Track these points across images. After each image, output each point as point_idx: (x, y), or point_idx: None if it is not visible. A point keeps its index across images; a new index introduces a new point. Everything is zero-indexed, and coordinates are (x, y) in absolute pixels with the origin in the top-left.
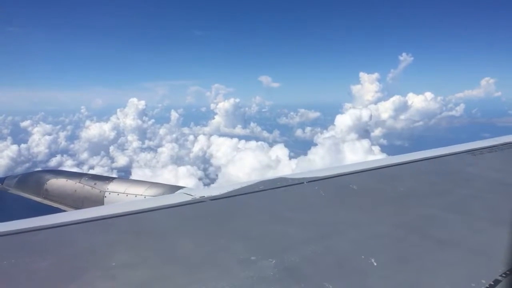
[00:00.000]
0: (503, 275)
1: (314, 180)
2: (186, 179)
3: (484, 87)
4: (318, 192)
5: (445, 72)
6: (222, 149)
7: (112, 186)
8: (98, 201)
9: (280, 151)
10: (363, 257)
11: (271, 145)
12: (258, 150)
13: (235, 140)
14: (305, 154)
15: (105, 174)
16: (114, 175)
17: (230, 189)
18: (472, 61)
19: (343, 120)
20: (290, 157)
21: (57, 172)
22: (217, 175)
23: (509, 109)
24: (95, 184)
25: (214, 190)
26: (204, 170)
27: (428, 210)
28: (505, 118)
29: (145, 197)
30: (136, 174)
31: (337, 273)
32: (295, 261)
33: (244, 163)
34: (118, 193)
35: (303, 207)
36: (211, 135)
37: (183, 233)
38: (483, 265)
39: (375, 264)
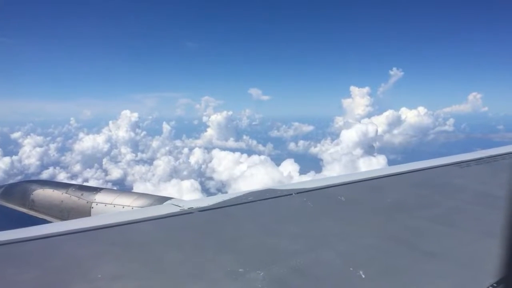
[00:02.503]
0: (491, 287)
1: (302, 192)
2: (191, 194)
3: (471, 102)
4: (307, 203)
5: (433, 87)
6: (224, 163)
7: (99, 197)
8: (85, 212)
9: (290, 166)
10: (351, 269)
11: (272, 159)
12: (264, 165)
13: (237, 154)
14: (309, 169)
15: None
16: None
17: (218, 200)
18: (459, 76)
19: (349, 135)
20: (300, 173)
21: (43, 183)
22: (226, 190)
23: (497, 124)
24: (82, 194)
25: (203, 201)
26: (201, 183)
27: (416, 222)
28: (500, 134)
29: (132, 208)
30: (138, 188)
31: (326, 285)
32: (284, 273)
33: (255, 179)
34: (106, 204)
35: (292, 218)
36: (205, 148)
37: (170, 244)
38: (471, 277)
39: (363, 276)
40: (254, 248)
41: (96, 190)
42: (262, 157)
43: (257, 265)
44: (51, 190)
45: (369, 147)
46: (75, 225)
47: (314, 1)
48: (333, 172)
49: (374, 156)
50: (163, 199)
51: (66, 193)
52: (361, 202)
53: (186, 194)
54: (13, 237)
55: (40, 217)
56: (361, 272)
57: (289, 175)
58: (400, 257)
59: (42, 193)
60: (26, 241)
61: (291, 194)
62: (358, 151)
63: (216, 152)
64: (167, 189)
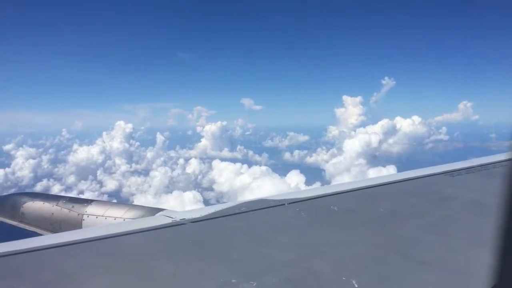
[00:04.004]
0: None
1: (295, 202)
2: (193, 206)
3: (462, 111)
4: (299, 213)
5: (425, 96)
6: (224, 173)
7: (90, 209)
8: (76, 224)
9: (296, 177)
10: (344, 278)
11: (273, 170)
12: (270, 176)
13: (238, 164)
14: (314, 180)
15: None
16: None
17: (211, 211)
18: (450, 85)
19: (352, 145)
20: (307, 184)
21: (34, 195)
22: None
23: (489, 132)
24: (72, 207)
25: (195, 212)
26: (200, 194)
27: (408, 231)
28: (497, 142)
29: (124, 220)
30: (138, 201)
31: None
32: (277, 283)
33: (263, 191)
34: (97, 216)
35: (284, 228)
36: (200, 158)
37: (163, 256)
38: (463, 285)
39: (356, 285)
40: (247, 258)
41: (87, 202)
42: (264, 167)
43: (250, 276)
44: (42, 202)
45: (372, 157)
46: (66, 238)
47: (305, 11)
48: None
49: (384, 166)
50: (155, 211)
51: (56, 205)
52: (354, 212)
53: (189, 206)
54: (3, 250)
55: (30, 229)
56: (354, 282)
57: (296, 186)
58: (392, 265)
59: (33, 206)
60: (17, 254)
61: (284, 204)
62: (361, 161)
63: (216, 163)
64: (169, 201)
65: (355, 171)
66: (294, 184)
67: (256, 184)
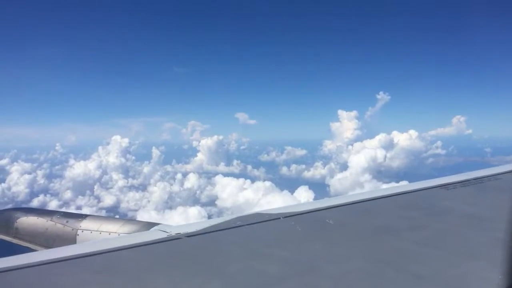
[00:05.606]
0: None
1: (290, 216)
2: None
3: (456, 125)
4: (295, 227)
5: (419, 111)
6: (227, 189)
7: (85, 224)
8: (70, 239)
9: (305, 193)
10: None
11: (277, 185)
12: (280, 193)
13: (241, 180)
14: (322, 196)
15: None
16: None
17: (206, 225)
18: (443, 99)
19: (358, 161)
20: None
21: (28, 210)
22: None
23: (483, 146)
24: (67, 222)
25: (190, 227)
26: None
27: (404, 245)
28: (498, 157)
29: (119, 234)
30: (141, 217)
31: None
32: None
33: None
34: (91, 231)
35: (280, 243)
36: (197, 173)
37: (158, 271)
38: None
39: None
40: (242, 273)
41: (81, 217)
42: (268, 183)
43: None
44: (36, 217)
45: (377, 173)
46: (60, 253)
47: (299, 26)
48: None
49: (397, 182)
50: (150, 225)
51: (50, 220)
52: (349, 225)
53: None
54: None
55: (24, 245)
56: None
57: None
58: (388, 280)
59: (27, 221)
60: (11, 270)
61: (279, 218)
62: (367, 176)
63: (218, 178)
64: (174, 217)
65: (368, 187)
66: (303, 200)
67: (266, 200)
